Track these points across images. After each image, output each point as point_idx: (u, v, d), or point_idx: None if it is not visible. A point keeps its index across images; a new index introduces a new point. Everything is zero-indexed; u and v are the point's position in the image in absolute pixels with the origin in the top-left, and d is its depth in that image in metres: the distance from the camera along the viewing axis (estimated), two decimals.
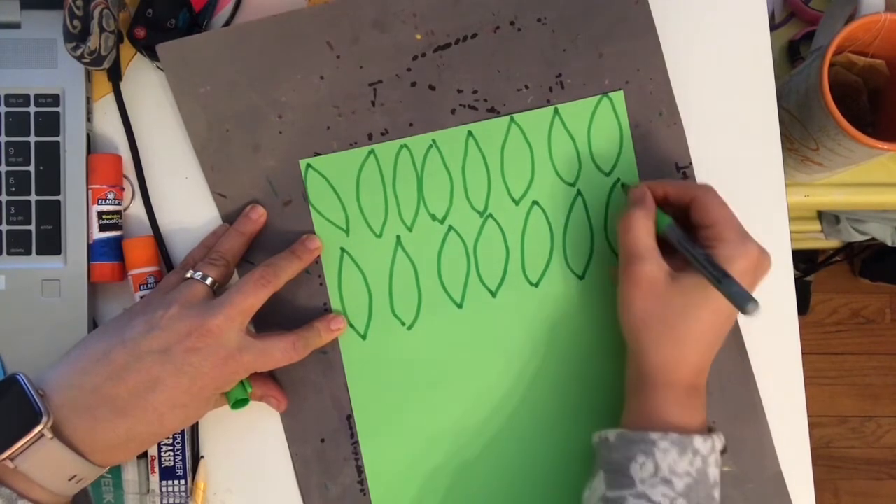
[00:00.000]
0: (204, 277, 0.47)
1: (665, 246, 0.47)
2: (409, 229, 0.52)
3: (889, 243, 0.90)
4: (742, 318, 0.52)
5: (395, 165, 0.52)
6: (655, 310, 0.45)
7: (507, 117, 0.52)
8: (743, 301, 0.41)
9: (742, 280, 0.43)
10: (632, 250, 0.46)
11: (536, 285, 0.52)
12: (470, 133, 0.52)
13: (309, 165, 0.52)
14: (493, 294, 0.52)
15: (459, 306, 0.52)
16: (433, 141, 0.52)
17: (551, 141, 0.53)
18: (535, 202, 0.53)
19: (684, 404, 0.45)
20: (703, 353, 0.46)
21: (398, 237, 0.52)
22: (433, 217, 0.52)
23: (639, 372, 0.46)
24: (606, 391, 0.52)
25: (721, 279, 0.42)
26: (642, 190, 0.48)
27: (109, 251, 0.52)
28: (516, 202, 0.53)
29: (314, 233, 0.52)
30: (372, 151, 0.52)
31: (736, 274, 0.43)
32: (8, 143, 0.51)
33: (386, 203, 0.52)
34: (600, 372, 0.52)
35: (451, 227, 0.52)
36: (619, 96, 0.52)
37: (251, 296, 0.47)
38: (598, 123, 0.53)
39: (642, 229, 0.46)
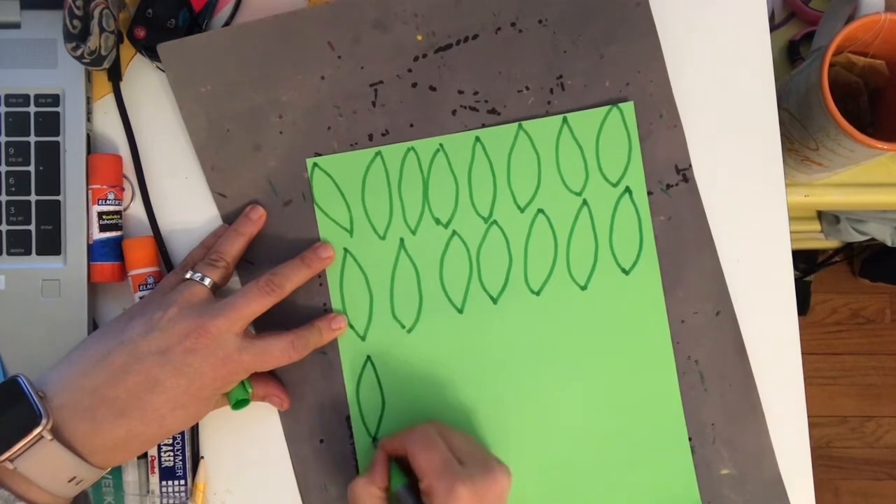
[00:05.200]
0: (203, 278, 0.47)
1: None
2: (413, 232, 0.52)
3: (889, 243, 0.90)
4: (742, 318, 0.52)
5: (401, 168, 0.52)
6: None
7: (516, 124, 0.52)
8: None
9: None
10: None
11: (538, 294, 0.52)
12: (477, 139, 0.52)
13: (315, 165, 0.52)
14: (495, 301, 0.52)
15: (460, 311, 0.52)
16: (440, 145, 0.52)
17: (559, 150, 0.52)
18: (540, 210, 0.52)
19: None
20: None
21: (401, 240, 0.52)
22: (437, 221, 0.52)
23: None
24: (603, 399, 0.52)
25: None
26: (377, 454, 0.47)
27: (109, 251, 0.52)
28: (521, 210, 0.52)
29: (315, 233, 0.52)
30: (379, 153, 0.52)
31: None
32: (8, 143, 0.51)
33: (391, 205, 0.52)
34: (599, 380, 0.52)
35: (454, 232, 0.52)
36: (629, 107, 0.52)
37: (254, 302, 0.47)
38: (606, 133, 0.52)
39: (365, 500, 0.45)
